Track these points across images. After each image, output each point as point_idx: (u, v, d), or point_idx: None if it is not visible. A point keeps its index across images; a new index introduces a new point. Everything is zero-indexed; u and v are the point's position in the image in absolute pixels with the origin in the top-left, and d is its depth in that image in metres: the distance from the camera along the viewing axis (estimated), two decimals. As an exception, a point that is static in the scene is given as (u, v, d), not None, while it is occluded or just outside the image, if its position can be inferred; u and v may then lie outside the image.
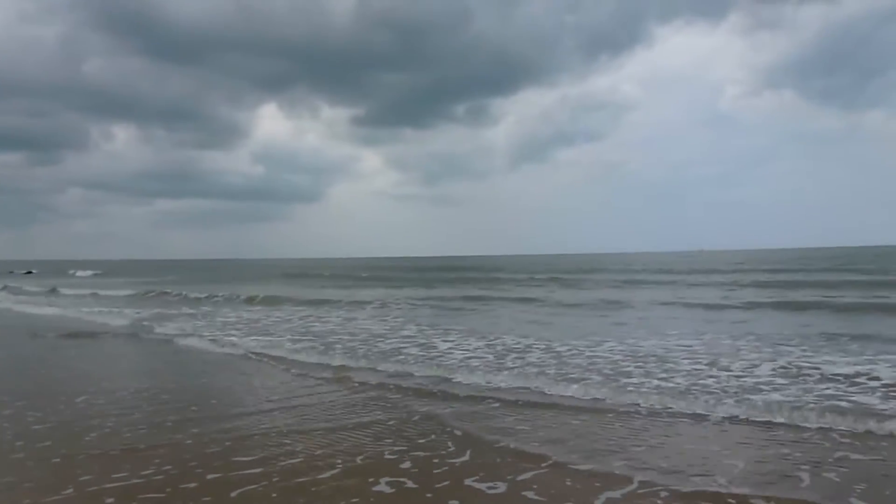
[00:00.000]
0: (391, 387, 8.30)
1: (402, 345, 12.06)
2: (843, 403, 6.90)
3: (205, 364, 10.61)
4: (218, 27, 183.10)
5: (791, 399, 7.13)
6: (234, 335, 13.91)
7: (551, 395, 7.72)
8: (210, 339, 13.27)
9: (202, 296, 27.51)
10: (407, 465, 5.15)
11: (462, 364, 9.80)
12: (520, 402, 7.33)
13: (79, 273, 70.17)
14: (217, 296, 27.06)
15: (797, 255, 78.37)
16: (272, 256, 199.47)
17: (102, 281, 50.86)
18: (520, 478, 4.79)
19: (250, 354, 11.35)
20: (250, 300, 24.86)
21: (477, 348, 11.37)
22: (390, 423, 6.49)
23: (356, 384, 8.51)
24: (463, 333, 13.39)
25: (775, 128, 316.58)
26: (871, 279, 29.14)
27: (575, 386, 7.98)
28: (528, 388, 8.04)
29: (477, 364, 9.76)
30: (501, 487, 4.62)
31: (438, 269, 59.60)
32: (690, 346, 10.99)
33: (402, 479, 4.81)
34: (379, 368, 9.66)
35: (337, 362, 10.20)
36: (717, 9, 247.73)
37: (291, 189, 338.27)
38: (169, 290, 31.78)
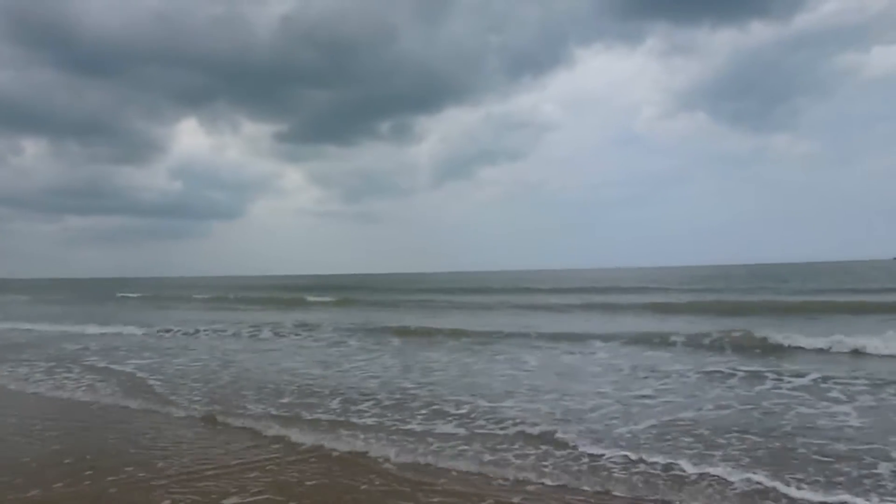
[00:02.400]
0: None
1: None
2: None
3: None
4: (136, 40, 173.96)
5: None
6: None
7: None
8: None
9: None
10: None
11: None
12: None
13: None
14: None
15: (701, 273, 79.36)
16: (190, 274, 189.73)
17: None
18: None
19: None
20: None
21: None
22: None
23: None
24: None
25: (689, 149, 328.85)
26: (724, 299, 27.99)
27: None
28: None
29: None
30: None
31: (342, 289, 55.84)
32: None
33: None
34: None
35: None
36: (635, 33, 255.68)
37: (211, 205, 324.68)
38: None
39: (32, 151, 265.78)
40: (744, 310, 22.70)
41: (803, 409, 7.57)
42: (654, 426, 6.93)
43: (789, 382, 9.16)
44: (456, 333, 16.68)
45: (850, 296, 28.22)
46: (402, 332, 17.51)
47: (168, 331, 19.34)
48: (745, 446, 6.14)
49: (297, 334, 18.00)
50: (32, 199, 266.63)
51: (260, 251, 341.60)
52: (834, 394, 8.40)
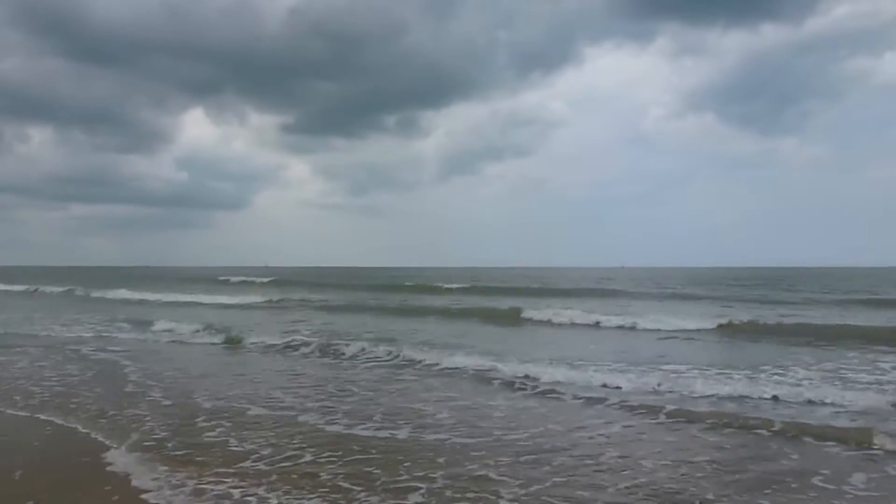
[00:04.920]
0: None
1: None
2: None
3: None
4: (145, 30, 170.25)
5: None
6: None
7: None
8: None
9: None
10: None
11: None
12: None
13: None
14: None
15: (700, 274, 75.54)
16: (193, 264, 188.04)
17: None
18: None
19: None
20: None
21: None
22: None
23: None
24: None
25: (696, 150, 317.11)
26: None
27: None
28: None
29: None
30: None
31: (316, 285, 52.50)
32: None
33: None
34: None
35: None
36: (645, 32, 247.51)
37: (216, 196, 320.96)
38: None
39: (38, 139, 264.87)
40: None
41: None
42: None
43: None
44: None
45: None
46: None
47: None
48: None
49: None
50: (38, 186, 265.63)
51: (264, 242, 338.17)
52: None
